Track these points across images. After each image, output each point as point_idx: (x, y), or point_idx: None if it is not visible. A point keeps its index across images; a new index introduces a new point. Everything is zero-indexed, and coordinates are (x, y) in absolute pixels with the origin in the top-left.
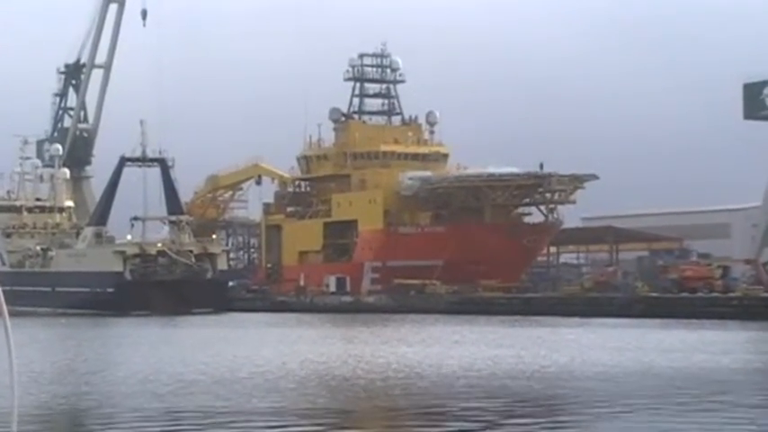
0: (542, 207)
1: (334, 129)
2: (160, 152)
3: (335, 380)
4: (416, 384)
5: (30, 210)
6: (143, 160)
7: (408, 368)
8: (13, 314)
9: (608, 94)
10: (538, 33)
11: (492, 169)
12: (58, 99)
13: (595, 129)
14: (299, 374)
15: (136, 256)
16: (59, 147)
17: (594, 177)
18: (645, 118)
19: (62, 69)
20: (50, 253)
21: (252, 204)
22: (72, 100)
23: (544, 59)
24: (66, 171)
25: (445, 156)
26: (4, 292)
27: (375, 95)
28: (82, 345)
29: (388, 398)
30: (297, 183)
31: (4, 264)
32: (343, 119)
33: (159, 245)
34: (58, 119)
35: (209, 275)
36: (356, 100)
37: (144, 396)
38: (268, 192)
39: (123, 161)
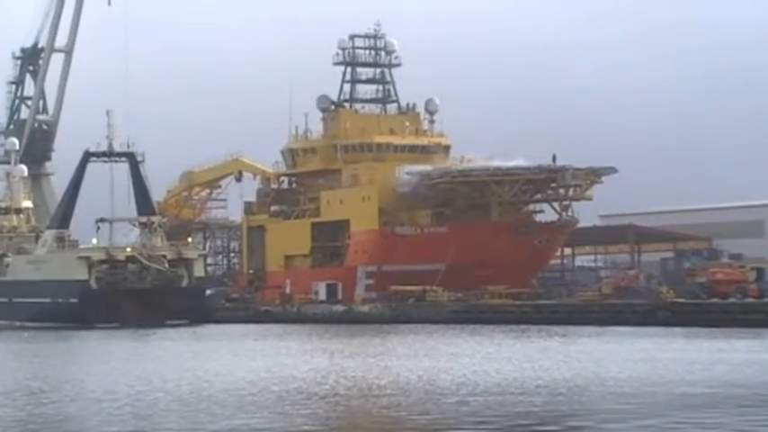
0: (555, 204)
1: (323, 118)
2: (129, 146)
3: (314, 397)
4: (402, 402)
5: None
6: (109, 155)
7: (395, 384)
8: None
9: (628, 82)
10: (549, 13)
11: (499, 162)
12: (13, 87)
13: (614, 119)
14: (275, 391)
15: (102, 262)
16: (16, 141)
17: (613, 171)
18: (668, 106)
19: (18, 54)
20: (7, 259)
21: (232, 203)
22: (30, 88)
23: (557, 42)
24: (24, 168)
25: (446, 148)
26: None
27: (368, 81)
28: (39, 361)
29: (370, 417)
30: (281, 179)
31: None
32: (333, 107)
33: (128, 249)
34: (13, 110)
35: (184, 283)
36: (347, 86)
37: (99, 417)
38: (250, 189)
39: (87, 156)
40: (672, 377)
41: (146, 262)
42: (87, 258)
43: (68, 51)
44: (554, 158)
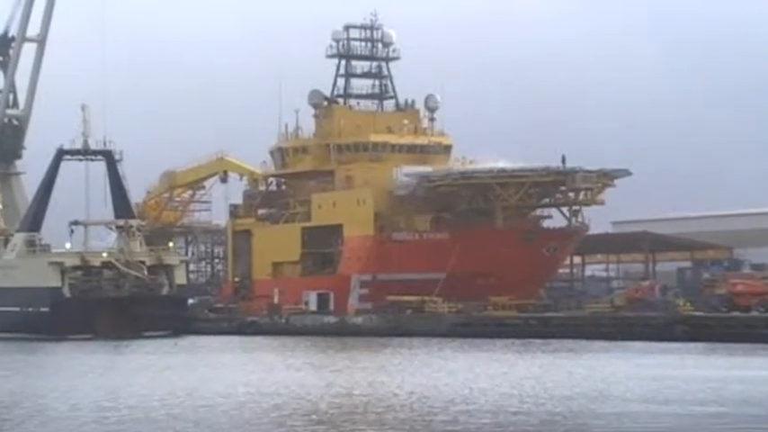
0: (564, 209)
1: (315, 115)
2: (105, 143)
3: (295, 415)
4: (388, 421)
5: None
6: (85, 153)
7: (382, 401)
8: None
9: (643, 78)
10: (554, 7)
11: (504, 164)
12: None
13: (628, 118)
14: (253, 408)
15: (76, 268)
16: None
17: (627, 173)
18: (686, 104)
19: None
20: None
21: (216, 206)
22: None
23: (566, 35)
24: None
25: (448, 147)
26: None
27: (364, 75)
28: (1, 375)
29: None
30: (270, 180)
31: None
32: (326, 103)
33: (104, 255)
34: None
35: (164, 291)
36: (341, 81)
37: None
38: (235, 191)
39: (61, 154)
40: (682, 396)
41: (123, 268)
42: (60, 264)
43: (41, 41)
44: (563, 160)
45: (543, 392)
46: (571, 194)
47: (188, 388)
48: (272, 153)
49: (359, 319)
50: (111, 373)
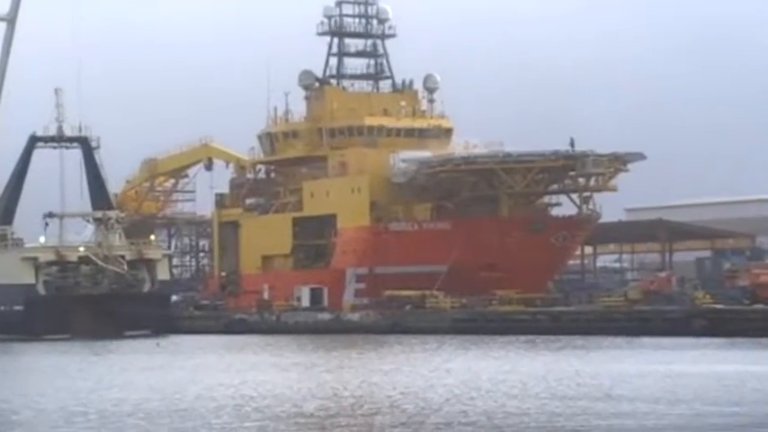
0: (574, 196)
1: (306, 98)
2: (81, 129)
3: (277, 418)
4: (377, 423)
5: None
6: (59, 140)
7: (373, 402)
8: None
9: (656, 62)
10: None
11: (509, 148)
12: None
13: (641, 99)
14: (232, 412)
15: (51, 263)
16: None
17: (641, 157)
18: (703, 85)
19: None
20: None
21: (201, 196)
22: None
23: (567, 10)
24: None
25: (448, 131)
26: None
27: (358, 54)
28: None
29: None
30: (258, 167)
31: None
32: (317, 85)
33: (81, 249)
34: None
35: (145, 288)
36: (333, 60)
37: None
38: (221, 179)
39: (34, 141)
40: (695, 395)
41: (101, 263)
42: (34, 259)
43: (11, 21)
44: (572, 143)
45: (546, 392)
46: (581, 180)
47: (165, 391)
48: (260, 138)
49: (355, 316)
50: (86, 376)
